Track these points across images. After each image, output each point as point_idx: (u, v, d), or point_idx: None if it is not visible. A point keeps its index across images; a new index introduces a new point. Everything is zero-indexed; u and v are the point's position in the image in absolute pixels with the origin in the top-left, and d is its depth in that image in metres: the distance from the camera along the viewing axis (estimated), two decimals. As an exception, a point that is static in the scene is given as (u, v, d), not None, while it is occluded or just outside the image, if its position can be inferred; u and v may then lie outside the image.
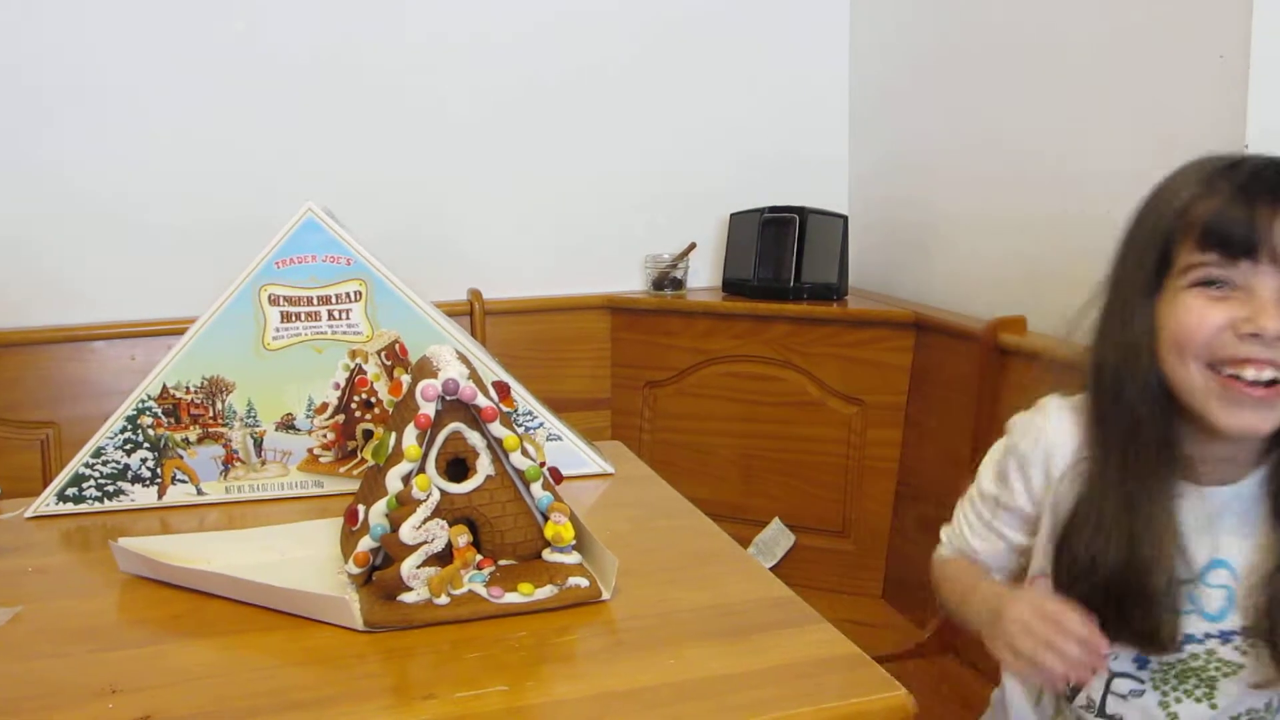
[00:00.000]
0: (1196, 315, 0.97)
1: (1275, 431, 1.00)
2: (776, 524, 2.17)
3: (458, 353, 1.14)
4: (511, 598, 1.05)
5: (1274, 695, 1.08)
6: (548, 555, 1.11)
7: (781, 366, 2.23)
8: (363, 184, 2.16)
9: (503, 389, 1.17)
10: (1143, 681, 1.08)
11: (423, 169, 2.24)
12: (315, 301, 1.36)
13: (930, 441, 2.07)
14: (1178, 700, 1.07)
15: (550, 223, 2.34)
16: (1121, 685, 1.09)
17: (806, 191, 2.41)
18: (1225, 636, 1.05)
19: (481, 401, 1.09)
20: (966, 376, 1.96)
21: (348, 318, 1.37)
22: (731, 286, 2.39)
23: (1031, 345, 1.86)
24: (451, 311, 1.61)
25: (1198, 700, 1.07)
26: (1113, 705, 1.09)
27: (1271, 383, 0.96)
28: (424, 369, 1.11)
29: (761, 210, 2.35)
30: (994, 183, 2.11)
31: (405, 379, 1.14)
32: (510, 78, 2.28)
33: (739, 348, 2.27)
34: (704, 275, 2.45)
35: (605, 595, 1.08)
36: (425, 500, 1.05)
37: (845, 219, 2.34)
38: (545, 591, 1.06)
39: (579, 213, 2.36)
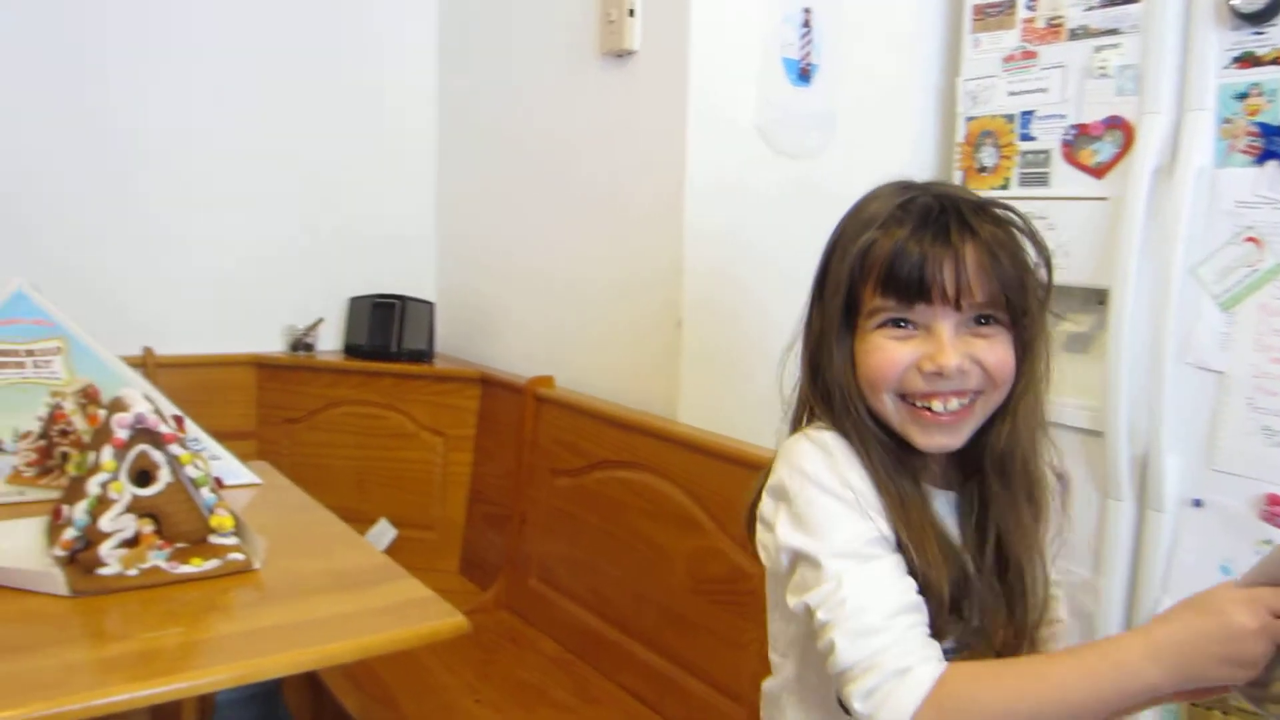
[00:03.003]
0: (883, 356, 0.82)
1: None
2: (383, 522, 2.20)
3: (144, 394, 1.17)
4: (185, 569, 1.08)
5: None
6: (213, 539, 1.14)
7: (387, 409, 2.27)
8: (62, 262, 2.05)
9: (178, 420, 1.20)
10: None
11: (111, 256, 2.14)
12: (22, 354, 1.33)
13: (491, 461, 2.15)
14: None
15: (210, 296, 2.28)
16: None
17: (406, 283, 2.47)
18: None
19: (163, 429, 1.13)
20: (514, 416, 2.04)
21: (50, 367, 1.34)
22: (351, 350, 2.41)
23: (556, 395, 1.97)
24: (128, 363, 1.57)
25: None
26: None
27: (957, 410, 0.82)
28: (118, 405, 1.13)
29: (373, 296, 2.39)
30: (531, 281, 2.20)
31: (101, 413, 1.15)
32: (186, 176, 2.21)
33: (356, 395, 2.28)
34: (330, 341, 2.45)
35: (256, 565, 1.13)
36: (119, 500, 1.08)
37: (433, 305, 2.41)
38: (211, 564, 1.10)
39: (235, 291, 2.31)
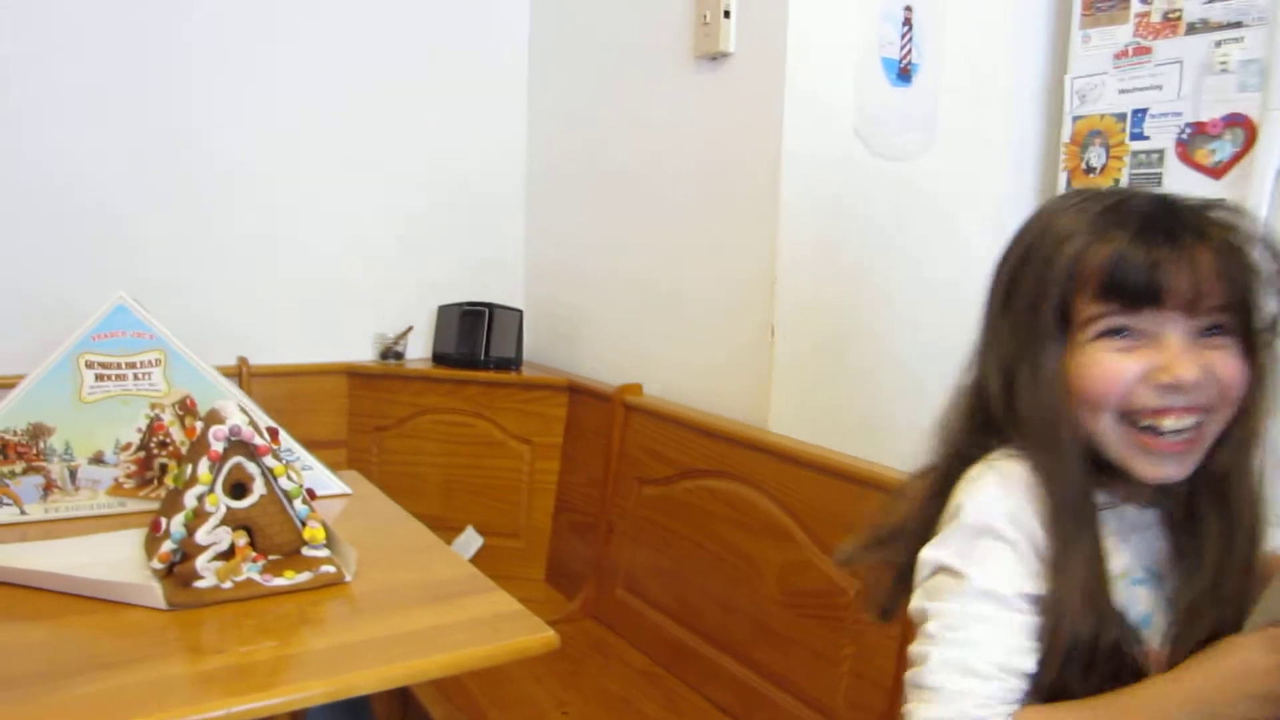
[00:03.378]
0: (1107, 369, 0.74)
1: None
2: (469, 530, 2.20)
3: (239, 406, 1.18)
4: (279, 581, 1.08)
5: None
6: (306, 551, 1.14)
7: (475, 417, 2.26)
8: (162, 274, 2.11)
9: (273, 432, 1.20)
10: None
11: (206, 268, 2.18)
12: (123, 366, 1.35)
13: (578, 469, 2.14)
14: None
15: (303, 308, 2.31)
16: None
17: (494, 291, 2.48)
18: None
19: (257, 441, 1.13)
20: (602, 424, 2.03)
21: (149, 379, 1.36)
22: (439, 358, 2.41)
23: (644, 404, 1.95)
24: (224, 373, 1.60)
25: None
26: None
27: (1189, 428, 0.74)
28: (214, 418, 1.14)
29: (461, 304, 2.39)
30: (619, 287, 2.18)
31: (198, 425, 1.16)
32: (279, 187, 2.24)
33: (444, 403, 2.28)
34: (418, 349, 2.45)
35: (348, 578, 1.13)
36: (215, 513, 1.08)
37: (521, 312, 2.40)
38: (304, 576, 1.10)
39: (326, 301, 2.34)
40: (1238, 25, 1.58)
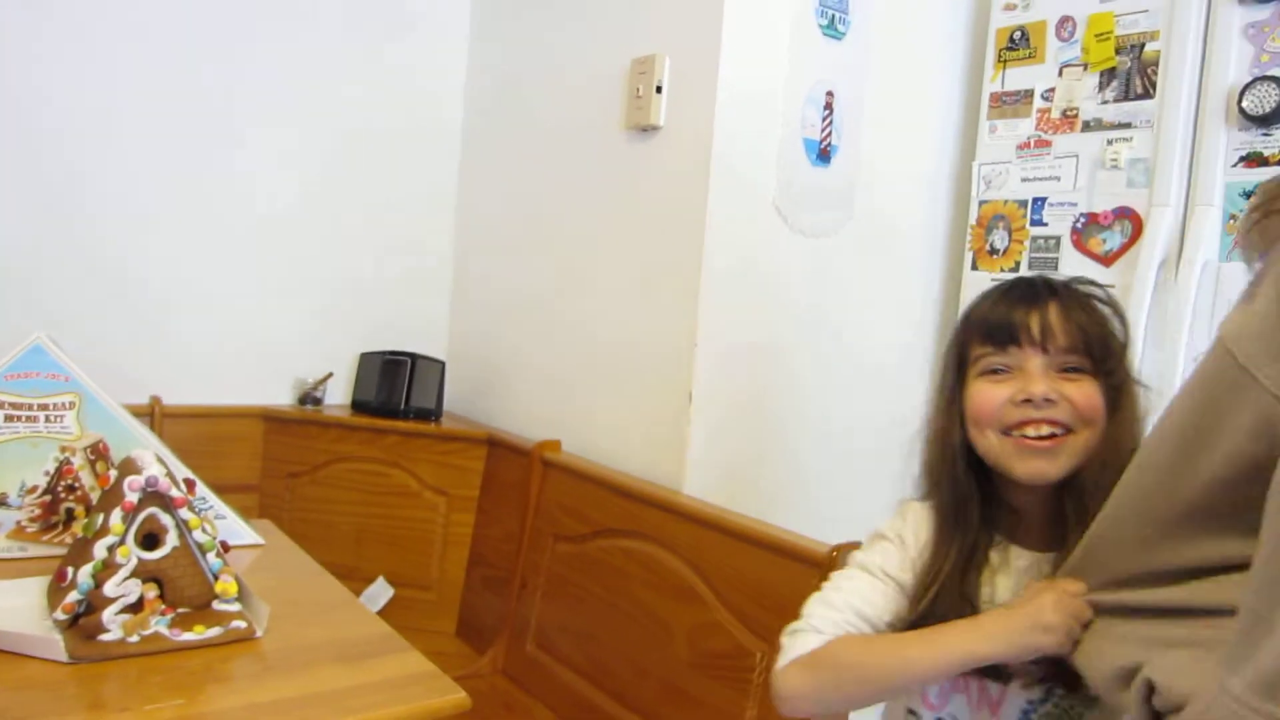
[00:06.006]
0: (985, 395, 0.95)
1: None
2: (380, 581, 2.16)
3: (156, 456, 1.15)
4: (188, 636, 1.05)
5: None
6: (217, 605, 1.11)
7: (391, 466, 2.23)
8: (78, 312, 2.04)
9: (189, 484, 1.19)
10: None
11: (124, 306, 2.13)
12: (35, 408, 1.30)
13: (494, 523, 2.12)
14: None
15: (221, 348, 2.26)
16: None
17: (418, 341, 2.46)
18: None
19: (174, 493, 1.11)
20: (520, 479, 2.03)
21: (62, 421, 1.32)
22: (359, 406, 2.39)
23: (563, 460, 1.95)
24: (135, 412, 1.55)
25: None
26: None
27: (1050, 436, 0.92)
28: (129, 467, 1.10)
29: (384, 353, 2.38)
30: (543, 345, 2.18)
31: (112, 473, 1.12)
32: (204, 228, 2.21)
33: (361, 451, 2.25)
34: (338, 395, 2.42)
35: (259, 633, 1.10)
36: (125, 565, 1.05)
37: (443, 364, 2.39)
38: (214, 632, 1.07)
39: (246, 343, 2.29)
40: (1128, 126, 1.69)
